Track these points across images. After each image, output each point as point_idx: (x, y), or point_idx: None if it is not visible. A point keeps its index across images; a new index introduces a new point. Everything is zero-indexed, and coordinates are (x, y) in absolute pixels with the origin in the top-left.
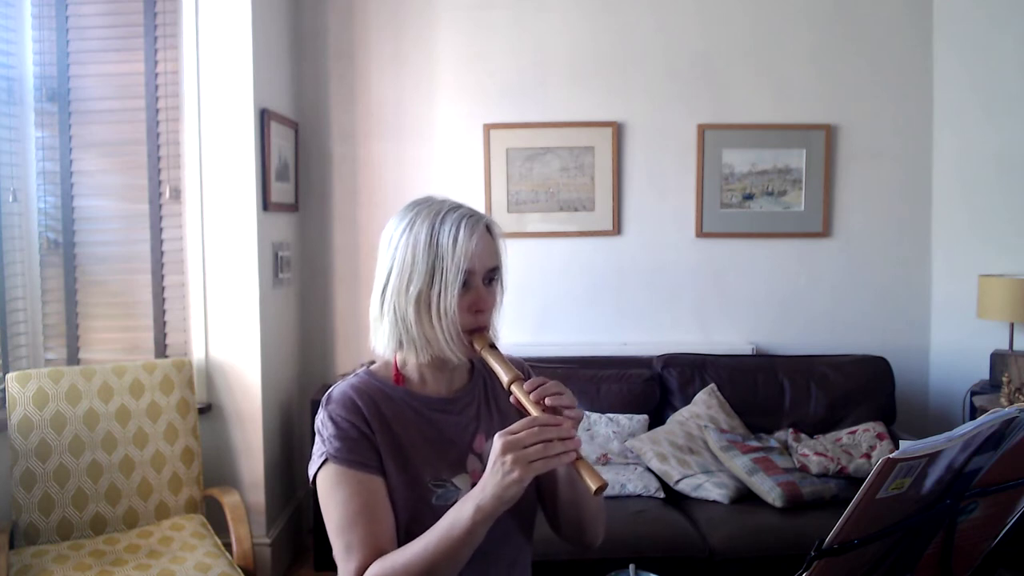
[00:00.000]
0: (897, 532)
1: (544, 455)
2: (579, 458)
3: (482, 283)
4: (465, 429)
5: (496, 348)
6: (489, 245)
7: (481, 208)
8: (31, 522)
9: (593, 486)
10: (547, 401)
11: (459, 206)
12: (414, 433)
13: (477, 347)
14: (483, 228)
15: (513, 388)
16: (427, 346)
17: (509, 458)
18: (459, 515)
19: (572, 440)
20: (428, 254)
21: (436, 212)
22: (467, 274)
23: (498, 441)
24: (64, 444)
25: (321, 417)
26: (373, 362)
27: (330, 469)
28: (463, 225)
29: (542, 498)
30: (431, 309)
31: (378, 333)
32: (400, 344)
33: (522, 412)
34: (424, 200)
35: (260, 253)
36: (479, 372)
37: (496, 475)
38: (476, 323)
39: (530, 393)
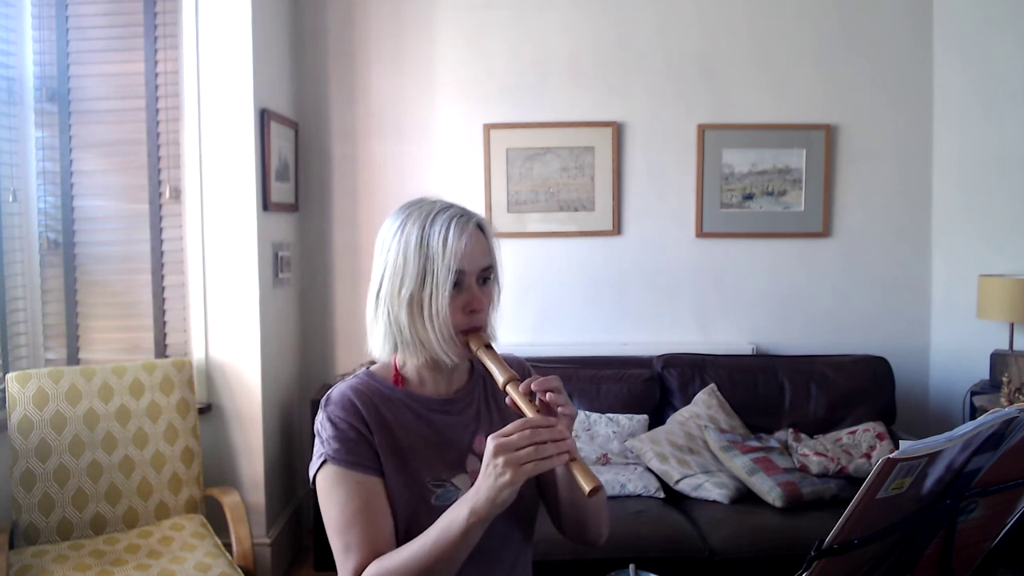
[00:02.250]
0: (897, 532)
1: (536, 457)
2: (573, 459)
3: (476, 283)
4: (465, 429)
5: (492, 348)
6: (481, 244)
7: (481, 208)
8: (31, 522)
9: (587, 488)
10: (539, 399)
11: (450, 206)
12: (413, 434)
13: (473, 347)
14: (473, 227)
15: (508, 389)
16: (421, 348)
17: (501, 460)
18: (454, 518)
19: (565, 442)
20: (419, 256)
21: (427, 213)
22: (459, 274)
23: (490, 443)
24: (64, 444)
25: (320, 418)
26: (374, 363)
27: (329, 470)
28: (453, 225)
29: (544, 497)
30: (423, 311)
31: (374, 336)
32: (395, 346)
33: (520, 414)
34: (417, 201)
35: (260, 253)
36: (479, 372)
37: (489, 478)
38: (470, 323)
39: (528, 389)
